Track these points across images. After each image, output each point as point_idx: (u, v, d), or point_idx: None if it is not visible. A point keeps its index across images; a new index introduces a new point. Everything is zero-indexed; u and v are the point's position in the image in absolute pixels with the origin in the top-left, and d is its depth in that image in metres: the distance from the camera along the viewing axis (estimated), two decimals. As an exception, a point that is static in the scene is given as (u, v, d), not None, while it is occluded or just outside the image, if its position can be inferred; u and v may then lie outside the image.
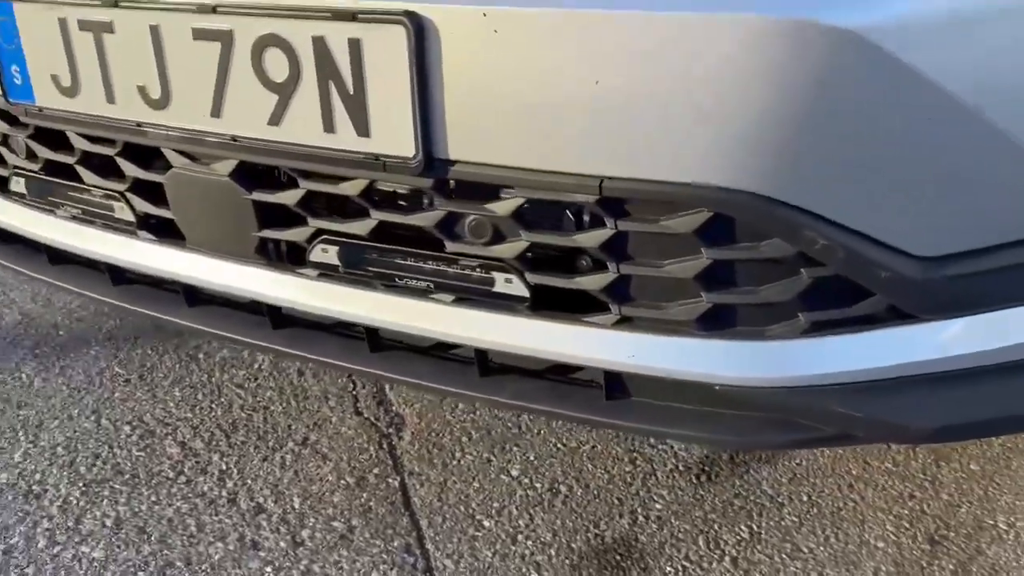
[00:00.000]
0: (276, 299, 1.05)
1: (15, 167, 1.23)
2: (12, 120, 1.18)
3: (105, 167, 1.13)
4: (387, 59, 0.82)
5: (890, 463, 1.42)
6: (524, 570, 1.23)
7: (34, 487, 1.40)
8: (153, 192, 1.10)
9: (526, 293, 0.89)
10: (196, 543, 1.28)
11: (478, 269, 0.91)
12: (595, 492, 1.36)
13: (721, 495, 1.36)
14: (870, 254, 0.78)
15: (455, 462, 1.44)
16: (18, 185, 1.23)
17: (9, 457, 1.47)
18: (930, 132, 0.74)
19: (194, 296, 1.15)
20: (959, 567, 1.22)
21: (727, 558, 1.24)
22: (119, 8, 0.95)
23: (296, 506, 1.35)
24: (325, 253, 0.99)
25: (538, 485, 1.38)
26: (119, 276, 1.21)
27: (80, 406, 1.61)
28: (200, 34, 0.91)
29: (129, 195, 1.11)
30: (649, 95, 0.75)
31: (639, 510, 1.33)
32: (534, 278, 0.89)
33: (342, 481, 1.40)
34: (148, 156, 1.09)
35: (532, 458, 1.44)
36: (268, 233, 1.02)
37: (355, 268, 0.98)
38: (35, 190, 1.22)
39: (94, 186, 1.14)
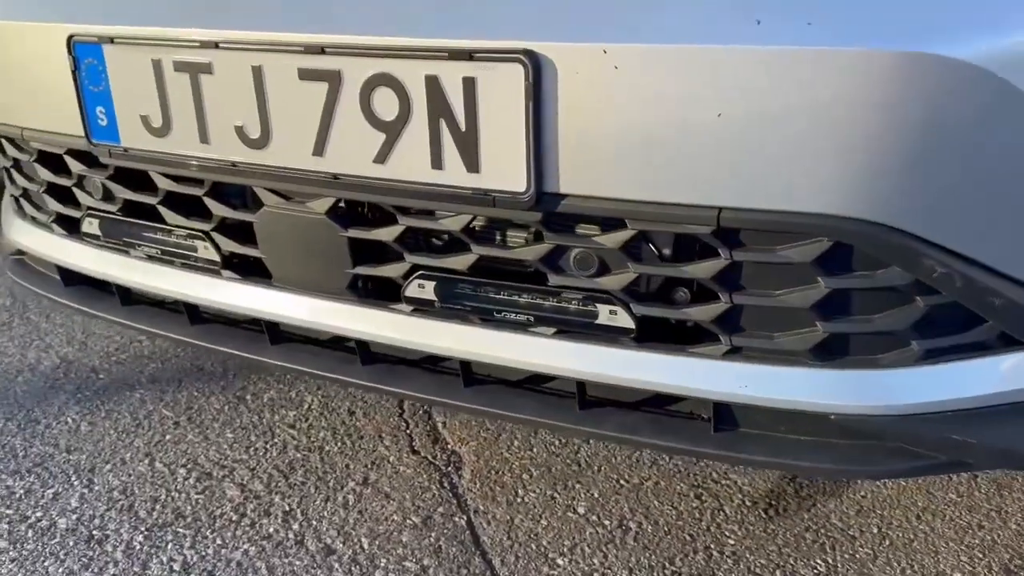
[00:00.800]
0: (366, 335, 1.05)
1: (89, 208, 1.23)
2: (90, 161, 1.19)
3: (190, 207, 1.13)
4: (502, 96, 0.83)
5: (954, 493, 1.43)
6: (603, 608, 1.22)
7: (95, 532, 1.38)
8: (240, 231, 1.10)
9: (631, 324, 0.90)
10: (267, 586, 1.27)
11: (582, 302, 0.92)
12: (665, 528, 1.36)
13: (792, 529, 1.35)
14: (986, 282, 0.79)
15: (519, 500, 1.43)
16: (91, 226, 1.23)
17: (65, 502, 1.45)
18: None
19: (277, 334, 1.15)
20: (1038, 597, 1.22)
21: (807, 592, 1.24)
22: (219, 49, 0.96)
23: (365, 546, 1.33)
24: (421, 288, 1.00)
25: (607, 522, 1.37)
26: (196, 315, 1.21)
27: (131, 449, 1.59)
28: (306, 74, 0.92)
29: (215, 234, 1.11)
30: (770, 127, 0.76)
31: (712, 546, 1.32)
32: (640, 309, 0.89)
33: (408, 520, 1.39)
34: (237, 196, 1.10)
35: (596, 495, 1.44)
36: (362, 270, 1.02)
37: (452, 303, 0.99)
38: (110, 231, 1.22)
39: (177, 226, 1.14)
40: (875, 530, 1.35)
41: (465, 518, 1.39)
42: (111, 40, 1.03)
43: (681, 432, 0.92)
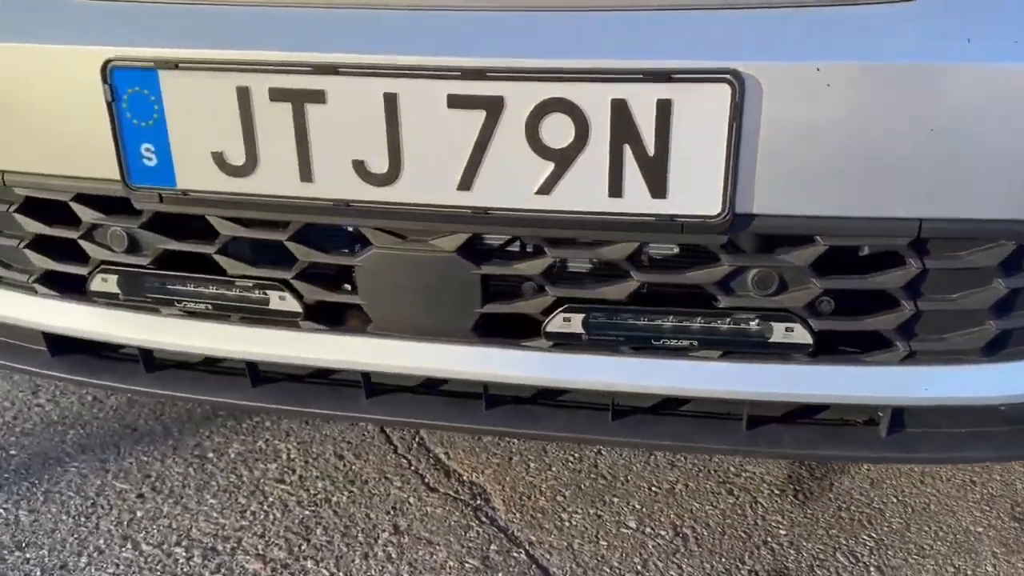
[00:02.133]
0: (490, 376, 0.98)
1: (103, 263, 1.03)
2: (109, 209, 1.00)
3: (259, 254, 0.99)
4: (702, 118, 0.80)
5: (939, 455, 1.57)
6: (697, 619, 1.22)
7: (108, 641, 1.18)
8: (327, 277, 0.98)
9: (809, 340, 0.90)
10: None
11: (755, 321, 0.91)
12: (719, 530, 1.38)
13: (826, 510, 1.42)
14: None
15: (567, 523, 1.39)
16: (105, 283, 1.04)
17: (50, 611, 1.22)
18: None
19: (371, 386, 1.03)
20: (1048, 538, 1.37)
21: (872, 568, 1.30)
22: (338, 75, 0.84)
23: (435, 600, 1.24)
24: (567, 322, 0.94)
25: (663, 532, 1.37)
26: (258, 375, 1.05)
27: (102, 534, 1.37)
28: (459, 101, 0.83)
29: (296, 282, 0.98)
30: (977, 139, 0.79)
31: (769, 539, 1.36)
32: (819, 324, 0.90)
33: (467, 564, 1.30)
34: (328, 239, 0.97)
35: (638, 506, 1.43)
36: (494, 308, 0.94)
37: (603, 334, 0.93)
38: (135, 287, 1.03)
39: (241, 276, 0.99)
40: (895, 500, 1.45)
41: (523, 552, 1.33)
42: (175, 65, 0.87)
43: (855, 440, 0.94)
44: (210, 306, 1.02)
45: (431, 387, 1.05)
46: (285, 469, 1.53)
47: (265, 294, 0.99)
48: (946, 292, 0.88)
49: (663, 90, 0.80)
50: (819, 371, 0.91)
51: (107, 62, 0.89)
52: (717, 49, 0.79)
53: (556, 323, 0.94)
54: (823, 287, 0.88)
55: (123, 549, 1.34)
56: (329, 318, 1.00)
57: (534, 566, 1.30)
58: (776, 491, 1.47)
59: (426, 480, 1.50)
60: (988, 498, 1.46)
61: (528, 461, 1.54)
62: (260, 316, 1.01)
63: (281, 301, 0.99)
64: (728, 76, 0.78)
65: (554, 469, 1.52)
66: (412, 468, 1.52)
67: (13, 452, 1.59)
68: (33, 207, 1.03)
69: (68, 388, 1.78)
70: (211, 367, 1.10)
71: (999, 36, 0.78)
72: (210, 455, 1.57)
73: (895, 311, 0.89)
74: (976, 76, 0.78)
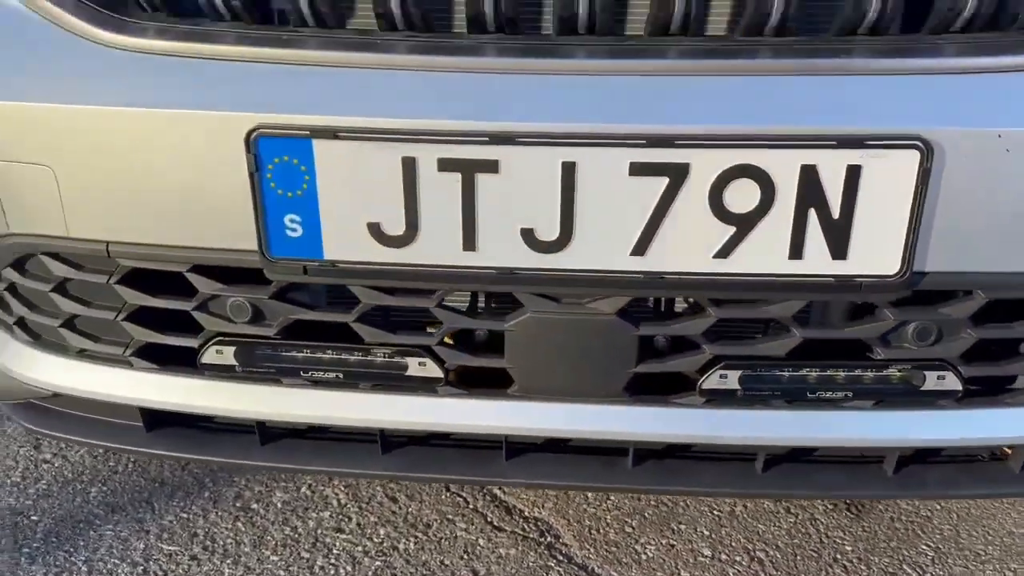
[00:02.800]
0: (643, 435, 0.97)
1: (217, 335, 0.97)
2: (232, 279, 0.94)
3: (399, 322, 0.94)
4: (890, 182, 0.81)
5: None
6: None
7: None
8: (469, 341, 0.95)
9: (959, 387, 0.93)
10: None
11: (909, 371, 0.93)
12: (790, 551, 1.41)
13: (881, 522, 1.48)
14: None
15: (644, 556, 1.40)
16: (220, 356, 0.97)
17: None
18: None
19: (512, 447, 1.00)
20: (1081, 534, 1.47)
21: (939, 578, 1.37)
22: (515, 145, 0.81)
23: (541, 649, 1.23)
24: (723, 379, 0.94)
25: (738, 558, 1.40)
26: (389, 443, 1.01)
27: (165, 605, 1.29)
28: (642, 169, 0.82)
29: (438, 348, 0.94)
30: None
31: (839, 556, 1.41)
32: (969, 371, 0.93)
33: (560, 607, 1.30)
34: (472, 303, 0.94)
35: (707, 532, 1.45)
36: (648, 367, 0.94)
37: (760, 389, 0.94)
38: (254, 359, 0.97)
39: (380, 344, 0.94)
40: (938, 507, 1.53)
41: (609, 589, 1.33)
42: (334, 134, 0.82)
43: (990, 477, 0.98)
44: (341, 375, 0.97)
45: (560, 446, 1.04)
46: (340, 517, 1.47)
47: (404, 360, 0.95)
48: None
49: (854, 156, 0.81)
50: (970, 415, 0.95)
51: (252, 130, 0.83)
52: (908, 116, 0.80)
53: (712, 380, 0.94)
54: (977, 336, 0.92)
55: (194, 620, 1.27)
56: (473, 383, 0.96)
57: (626, 603, 1.31)
58: (830, 507, 1.52)
59: (489, 519, 1.47)
60: (1018, 501, 1.55)
61: (584, 492, 1.54)
62: (396, 383, 0.97)
63: (421, 367, 0.95)
64: (918, 142, 0.80)
65: (613, 499, 1.52)
66: (471, 507, 1.50)
67: (35, 517, 1.48)
68: (138, 278, 0.96)
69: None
70: (321, 434, 1.05)
71: None
72: (254, 506, 1.50)
73: (1041, 355, 0.93)
74: None
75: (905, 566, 1.39)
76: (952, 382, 0.94)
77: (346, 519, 1.47)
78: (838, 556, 1.41)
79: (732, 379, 0.94)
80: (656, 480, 1.00)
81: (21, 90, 0.90)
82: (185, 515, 1.48)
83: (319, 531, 1.44)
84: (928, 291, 0.89)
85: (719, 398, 0.95)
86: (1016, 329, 0.92)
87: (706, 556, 1.40)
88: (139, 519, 1.47)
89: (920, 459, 1.02)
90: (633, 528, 1.46)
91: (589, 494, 1.52)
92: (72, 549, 1.40)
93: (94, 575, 1.35)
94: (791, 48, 0.83)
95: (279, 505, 1.51)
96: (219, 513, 1.48)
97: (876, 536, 1.45)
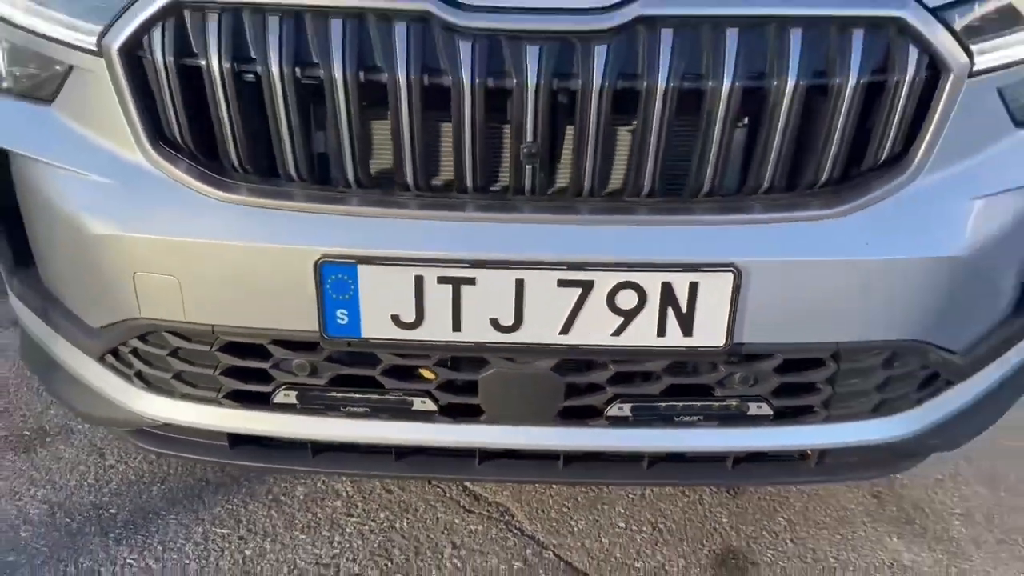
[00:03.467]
0: (568, 447, 1.47)
1: (285, 383, 1.44)
2: (296, 348, 1.41)
3: (405, 373, 1.43)
4: (715, 291, 1.32)
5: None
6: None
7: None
8: (457, 386, 1.44)
9: (771, 412, 1.45)
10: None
11: (738, 404, 1.45)
12: (682, 521, 1.93)
13: (751, 501, 2.01)
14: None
15: (576, 527, 1.90)
16: (287, 398, 1.45)
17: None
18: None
19: (483, 455, 1.50)
20: None
21: (787, 540, 1.89)
22: (485, 268, 1.30)
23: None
24: (620, 410, 1.44)
25: (644, 528, 1.91)
26: (401, 454, 1.50)
27: (225, 574, 1.76)
28: (565, 283, 1.31)
29: (435, 391, 1.43)
30: (847, 303, 1.36)
31: (716, 526, 1.93)
32: (777, 402, 1.45)
33: (514, 565, 1.79)
34: (455, 364, 1.43)
35: (623, 511, 1.96)
36: (571, 402, 1.44)
37: (644, 415, 1.45)
38: (310, 399, 1.45)
39: (395, 389, 1.43)
40: (795, 490, 2.06)
41: (551, 552, 1.83)
42: (370, 261, 1.30)
43: (796, 471, 1.51)
44: (368, 409, 1.45)
45: (515, 454, 1.53)
46: (349, 504, 1.95)
47: (410, 399, 1.44)
48: (851, 380, 1.45)
49: (694, 276, 1.31)
50: (777, 431, 1.47)
51: (319, 259, 1.31)
52: (726, 251, 1.31)
53: (612, 410, 1.44)
54: (780, 381, 1.43)
55: (251, 581, 1.74)
56: (456, 413, 1.46)
57: (562, 563, 1.81)
58: (714, 491, 2.04)
59: (462, 504, 1.97)
60: (855, 483, 2.09)
61: (531, 484, 2.04)
62: (403, 415, 1.45)
63: (422, 404, 1.44)
64: (732, 267, 1.30)
65: (553, 489, 2.03)
66: (448, 496, 1.99)
67: (113, 511, 1.93)
68: (231, 347, 1.43)
69: (131, 451, 2.11)
70: (353, 449, 1.54)
71: (889, 241, 1.34)
72: (283, 498, 1.98)
73: (820, 394, 1.45)
74: (874, 267, 1.33)
75: (764, 532, 1.92)
76: (766, 409, 1.45)
77: (354, 506, 1.95)
78: (716, 526, 1.93)
79: (626, 409, 1.45)
80: (578, 475, 1.51)
81: (153, 226, 1.36)
82: (230, 506, 1.95)
83: (334, 515, 1.92)
84: (745, 354, 1.41)
85: (617, 422, 1.46)
86: (805, 375, 1.43)
87: (621, 527, 1.92)
88: (194, 510, 1.93)
89: (749, 459, 1.54)
90: (568, 509, 1.96)
91: (536, 486, 2.02)
92: (147, 534, 1.86)
93: (168, 552, 1.81)
94: (655, 207, 1.33)
95: (301, 497, 1.98)
96: (256, 504, 1.95)
97: (746, 511, 1.98)
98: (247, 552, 1.81)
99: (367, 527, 1.89)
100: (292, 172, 1.35)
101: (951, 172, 1.39)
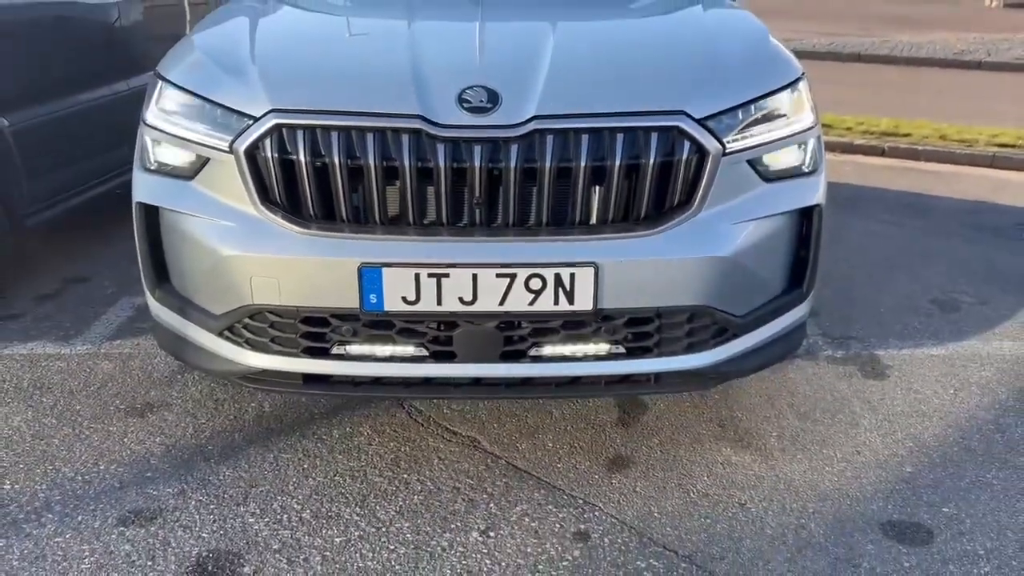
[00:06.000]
0: (510, 375, 2.48)
1: (337, 341, 2.44)
2: (344, 318, 2.41)
3: (409, 334, 2.43)
4: (585, 277, 2.34)
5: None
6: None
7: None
8: (440, 339, 2.44)
9: (624, 351, 2.47)
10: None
11: (604, 345, 2.46)
12: (591, 441, 2.92)
13: (640, 422, 3.00)
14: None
15: (522, 447, 2.89)
16: (340, 349, 2.45)
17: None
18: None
19: (456, 384, 2.50)
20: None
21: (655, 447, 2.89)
22: (455, 268, 2.31)
23: (472, 483, 2.70)
24: (536, 351, 2.45)
25: (565, 446, 2.90)
26: (409, 383, 2.50)
27: (330, 484, 2.73)
28: (500, 275, 2.32)
29: (428, 344, 2.43)
30: (680, 280, 2.39)
31: (609, 444, 2.92)
32: (628, 345, 2.46)
33: (480, 468, 2.77)
34: (439, 325, 2.43)
35: (551, 441, 2.95)
36: (507, 348, 2.44)
37: (550, 355, 2.45)
38: (352, 351, 2.45)
39: (404, 342, 2.43)
40: (668, 414, 3.06)
41: (503, 461, 2.82)
42: (389, 265, 2.31)
43: (643, 387, 2.53)
44: (388, 356, 2.45)
45: (478, 382, 2.53)
46: (371, 440, 2.93)
47: (413, 348, 2.44)
48: (671, 331, 2.47)
49: (572, 269, 2.33)
50: (629, 363, 2.48)
51: (360, 264, 2.31)
52: (590, 254, 2.33)
53: (532, 352, 2.45)
54: (628, 332, 2.45)
55: (343, 482, 2.70)
56: (440, 358, 2.45)
57: (511, 467, 2.79)
58: (615, 418, 3.03)
59: (444, 437, 2.95)
60: (710, 418, 3.10)
61: (494, 421, 3.03)
62: (409, 359, 2.45)
63: (420, 351, 2.44)
64: (594, 264, 2.32)
65: (507, 426, 3.01)
66: (433, 432, 2.97)
67: (210, 447, 2.89)
68: (305, 320, 2.42)
69: (216, 410, 3.07)
70: (379, 382, 2.52)
71: (684, 248, 2.37)
72: (324, 438, 2.94)
73: (652, 339, 2.46)
74: (675, 262, 2.36)
75: (643, 447, 2.91)
76: (622, 349, 2.47)
77: (372, 440, 2.93)
78: (611, 444, 2.92)
79: (539, 351, 2.46)
80: (514, 393, 2.51)
81: (263, 249, 2.37)
82: (291, 442, 2.91)
83: (359, 445, 2.89)
84: (605, 315, 2.42)
85: (535, 359, 2.46)
86: (642, 328, 2.45)
87: (550, 447, 2.90)
88: (266, 446, 2.90)
89: (616, 382, 2.55)
90: (516, 437, 2.95)
91: (495, 423, 3.01)
92: (236, 458, 2.82)
93: (252, 468, 2.76)
94: (549, 232, 2.36)
95: (336, 436, 2.95)
96: (307, 440, 2.92)
97: (632, 436, 2.97)
98: (305, 466, 2.78)
99: (383, 451, 2.86)
100: (343, 217, 2.37)
101: (720, 208, 2.44)
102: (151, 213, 2.58)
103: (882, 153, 7.49)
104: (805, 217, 2.61)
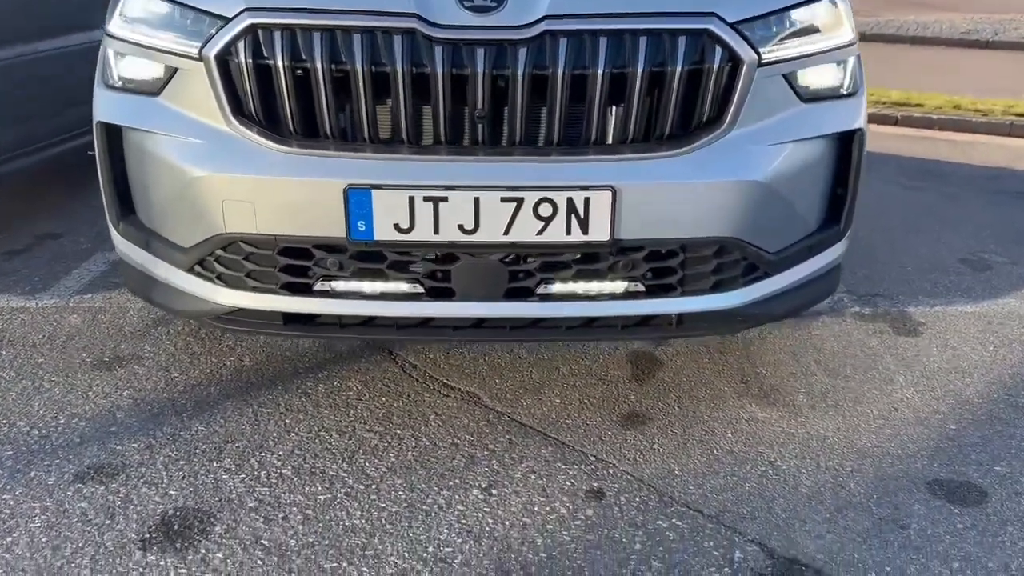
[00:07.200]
0: (514, 314, 2.21)
1: (321, 276, 2.17)
2: (328, 249, 2.14)
3: (402, 266, 2.16)
4: (601, 203, 2.07)
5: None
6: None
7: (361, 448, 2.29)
8: (436, 275, 2.17)
9: (643, 288, 2.20)
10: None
11: (621, 282, 2.19)
12: (601, 398, 2.66)
13: (652, 380, 2.74)
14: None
15: (524, 403, 2.62)
16: (323, 286, 2.18)
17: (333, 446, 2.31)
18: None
19: (455, 327, 2.23)
20: (758, 389, 2.76)
21: (673, 403, 2.63)
22: (455, 191, 2.04)
23: (472, 439, 2.44)
24: (546, 288, 2.18)
25: (574, 402, 2.64)
26: (401, 325, 2.23)
27: (304, 433, 2.46)
28: (506, 199, 2.05)
29: (423, 279, 2.16)
30: (689, 211, 2.12)
31: (624, 400, 2.66)
32: (647, 283, 2.19)
33: (480, 424, 2.51)
34: (436, 258, 2.16)
35: (557, 396, 2.69)
36: (513, 285, 2.17)
37: (562, 293, 2.18)
38: (338, 288, 2.17)
39: (396, 278, 2.16)
40: (687, 370, 2.79)
41: (507, 417, 2.55)
42: (379, 187, 2.04)
43: (667, 329, 2.26)
44: (379, 293, 2.18)
45: (479, 324, 2.26)
46: (360, 394, 2.66)
47: (407, 285, 2.17)
48: (697, 267, 2.20)
49: (587, 193, 2.06)
50: (649, 302, 2.21)
51: (347, 186, 2.04)
52: (608, 176, 2.06)
53: (540, 289, 2.18)
54: (648, 267, 2.18)
55: (318, 439, 2.44)
56: (437, 295, 2.18)
57: (514, 423, 2.53)
58: (628, 374, 2.77)
59: (441, 392, 2.68)
60: (731, 373, 2.84)
61: (495, 376, 2.76)
62: (402, 297, 2.18)
63: (414, 288, 2.17)
64: (611, 187, 2.05)
65: (509, 381, 2.75)
66: (428, 388, 2.71)
67: (183, 402, 2.62)
68: (285, 251, 2.15)
69: (190, 363, 2.80)
70: (368, 324, 2.25)
71: (711, 170, 2.10)
72: (309, 392, 2.68)
73: (676, 275, 2.20)
74: (702, 187, 2.09)
75: (659, 403, 2.65)
76: (641, 287, 2.20)
77: (362, 395, 2.66)
78: (625, 400, 2.66)
79: (550, 288, 2.19)
80: (518, 336, 2.24)
81: (236, 168, 2.09)
82: (271, 396, 2.64)
83: (348, 400, 2.63)
84: (623, 247, 2.15)
85: (544, 298, 2.19)
86: (665, 263, 2.18)
87: (557, 402, 2.64)
88: (244, 400, 2.63)
89: (634, 324, 2.28)
90: (520, 392, 2.69)
91: (496, 379, 2.74)
92: (211, 413, 2.55)
93: (228, 423, 2.50)
94: (562, 151, 2.09)
95: (323, 390, 2.68)
96: (289, 395, 2.65)
97: (648, 392, 2.71)
98: (287, 421, 2.51)
99: (373, 405, 2.60)
100: (328, 132, 2.09)
101: (754, 128, 2.17)
102: (114, 135, 2.30)
103: (895, 122, 7.22)
104: (844, 144, 2.34)
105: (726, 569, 1.96)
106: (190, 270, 2.26)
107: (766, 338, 3.09)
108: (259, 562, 1.95)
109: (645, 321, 2.30)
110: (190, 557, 1.96)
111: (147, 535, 2.02)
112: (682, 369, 2.86)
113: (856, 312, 3.34)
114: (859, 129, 2.32)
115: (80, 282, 3.52)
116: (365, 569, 1.94)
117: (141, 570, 1.92)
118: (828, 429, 2.53)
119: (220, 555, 1.97)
